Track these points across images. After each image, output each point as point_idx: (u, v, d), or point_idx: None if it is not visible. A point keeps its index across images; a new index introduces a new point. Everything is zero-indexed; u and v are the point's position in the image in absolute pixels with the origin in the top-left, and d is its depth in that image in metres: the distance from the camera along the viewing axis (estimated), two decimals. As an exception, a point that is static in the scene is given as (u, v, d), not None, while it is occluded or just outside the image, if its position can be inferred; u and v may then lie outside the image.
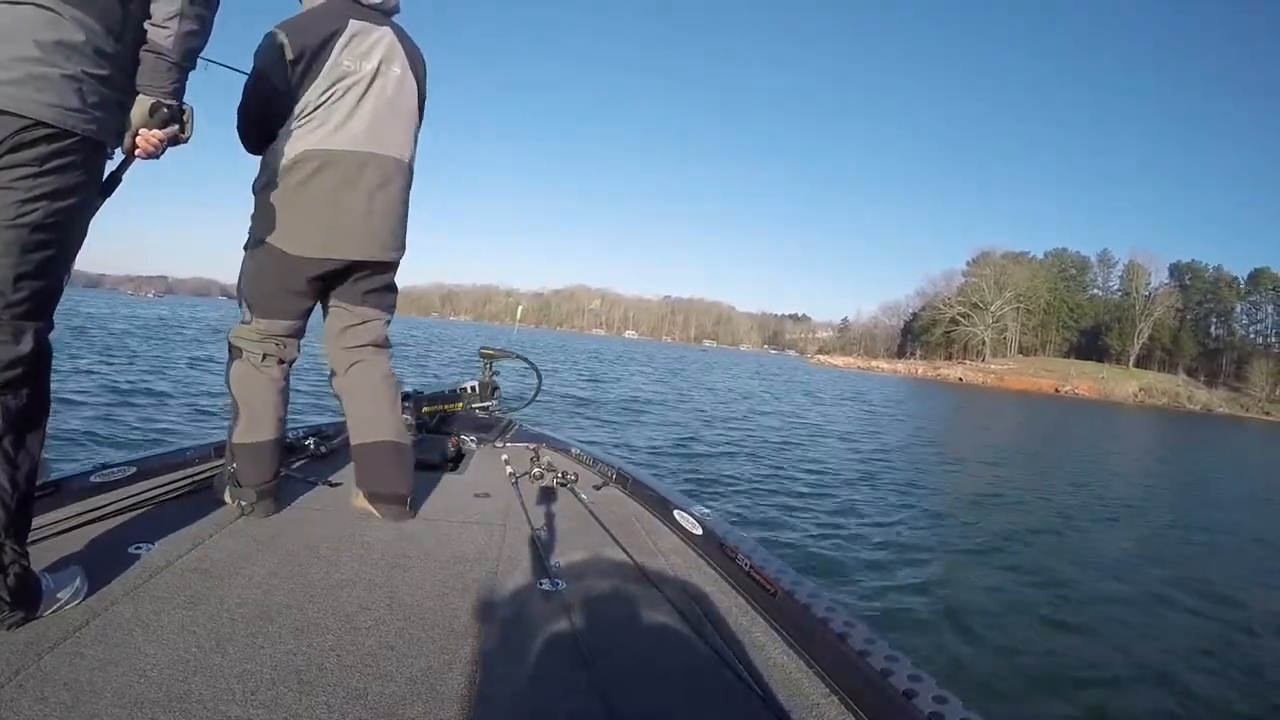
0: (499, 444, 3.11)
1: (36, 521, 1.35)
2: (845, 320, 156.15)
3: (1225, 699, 3.30)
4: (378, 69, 1.90)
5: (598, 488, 2.54)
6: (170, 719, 1.00)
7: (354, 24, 1.86)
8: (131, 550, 1.54)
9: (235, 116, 1.88)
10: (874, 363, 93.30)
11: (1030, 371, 77.59)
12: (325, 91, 1.83)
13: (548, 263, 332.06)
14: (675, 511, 2.12)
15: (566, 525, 2.07)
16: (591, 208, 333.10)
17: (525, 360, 3.78)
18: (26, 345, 1.16)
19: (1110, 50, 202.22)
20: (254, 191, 1.90)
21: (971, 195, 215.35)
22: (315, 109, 1.83)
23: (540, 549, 1.82)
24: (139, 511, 1.79)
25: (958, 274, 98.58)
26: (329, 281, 1.99)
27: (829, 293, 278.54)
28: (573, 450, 3.03)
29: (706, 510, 2.07)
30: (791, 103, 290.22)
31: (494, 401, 3.59)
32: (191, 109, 1.39)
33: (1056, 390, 70.31)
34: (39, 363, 1.20)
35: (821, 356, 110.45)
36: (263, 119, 1.86)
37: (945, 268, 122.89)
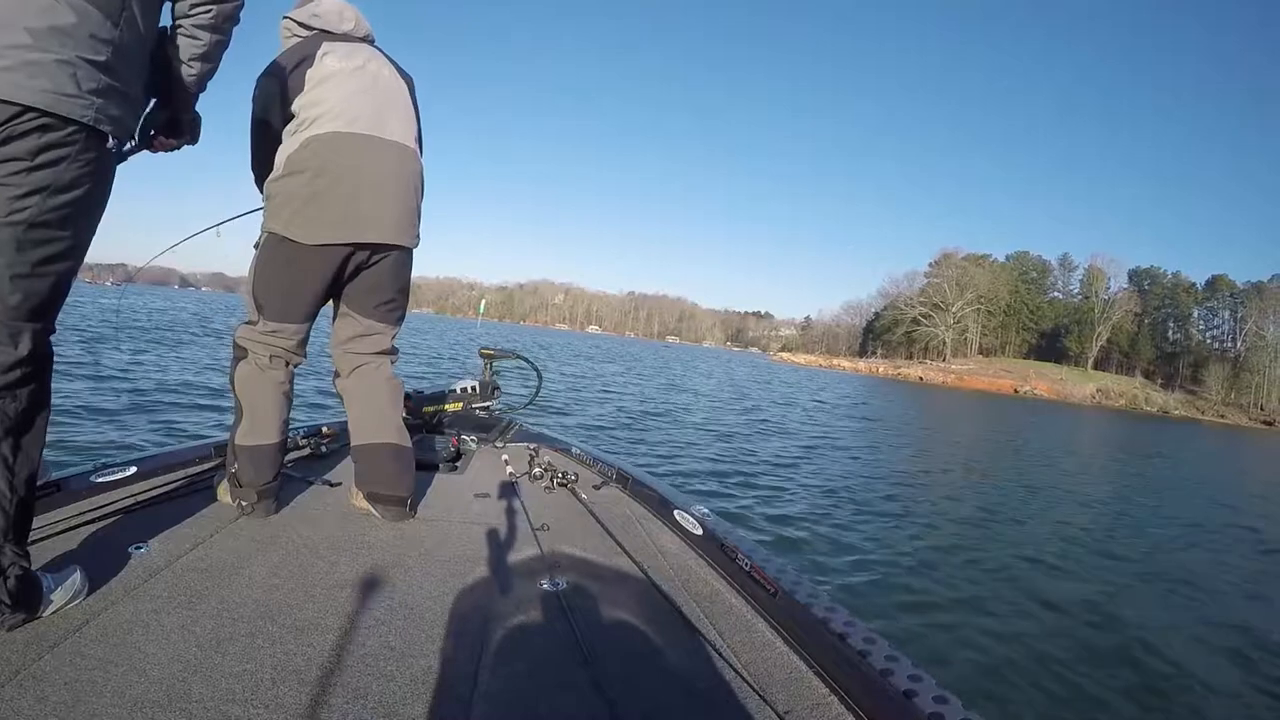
0: (499, 444, 3.08)
1: (36, 521, 1.34)
2: (808, 318, 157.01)
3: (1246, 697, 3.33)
4: (362, 66, 1.93)
5: (598, 488, 2.52)
6: (170, 719, 1.00)
7: (328, 43, 1.92)
8: (131, 550, 1.54)
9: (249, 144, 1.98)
10: (836, 361, 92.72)
11: (990, 372, 77.82)
12: (318, 91, 1.86)
13: (512, 256, 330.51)
14: (675, 511, 2.11)
15: (566, 525, 2.06)
16: (556, 202, 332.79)
17: (525, 360, 3.74)
18: (25, 348, 1.14)
19: (1074, 56, 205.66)
20: (264, 192, 1.91)
21: (935, 197, 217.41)
22: (312, 104, 1.85)
23: (540, 549, 1.82)
24: (139, 511, 1.77)
25: (920, 275, 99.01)
26: (342, 276, 1.95)
27: (792, 291, 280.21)
28: (573, 450, 2.99)
29: (706, 510, 2.06)
30: (757, 102, 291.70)
31: (494, 401, 3.53)
32: (200, 117, 1.55)
33: (1015, 391, 70.49)
34: (38, 365, 1.18)
35: (784, 354, 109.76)
36: (266, 159, 1.92)
37: (907, 269, 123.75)
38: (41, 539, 1.48)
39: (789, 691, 1.24)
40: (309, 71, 1.85)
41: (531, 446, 2.95)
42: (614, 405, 12.61)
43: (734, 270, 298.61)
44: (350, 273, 1.94)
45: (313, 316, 1.97)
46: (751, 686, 1.24)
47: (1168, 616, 4.43)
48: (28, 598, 1.19)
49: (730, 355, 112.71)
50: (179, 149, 1.56)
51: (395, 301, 2.06)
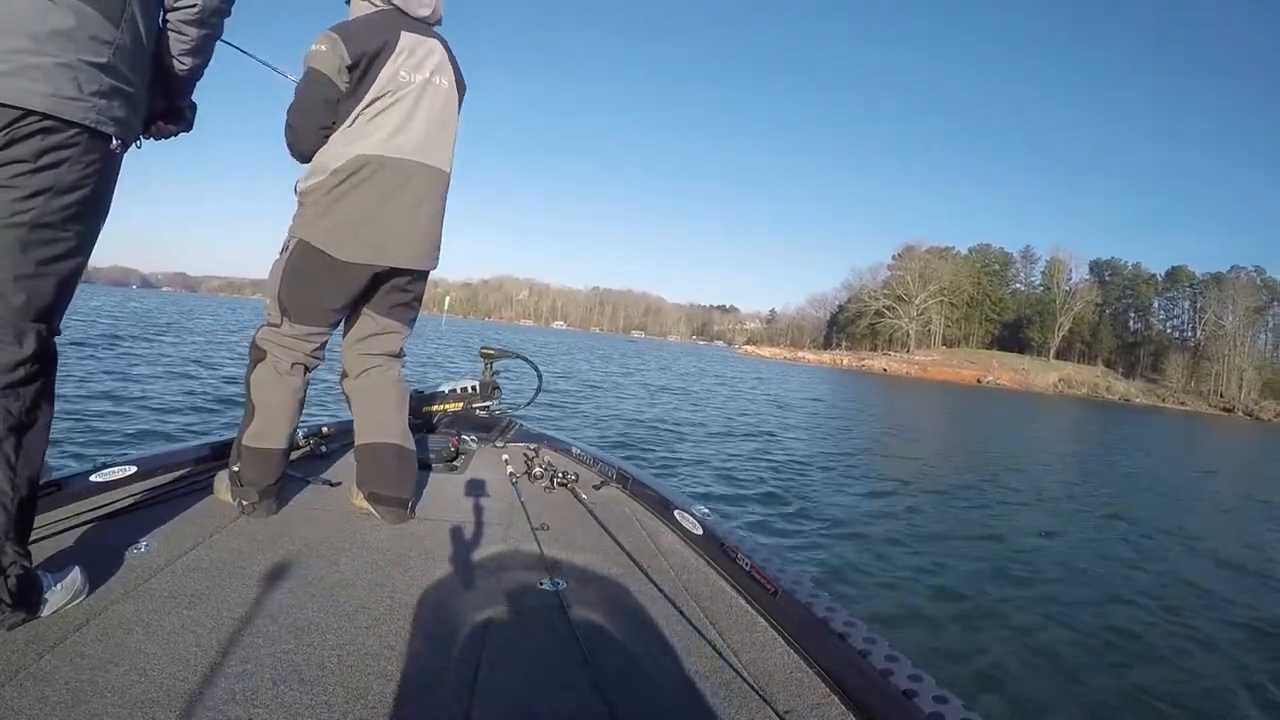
0: (499, 444, 3.08)
1: (37, 521, 1.35)
2: (773, 312, 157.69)
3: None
4: (429, 79, 1.90)
5: (597, 488, 2.51)
6: (170, 719, 1.01)
7: (407, 35, 1.85)
8: (131, 550, 1.54)
9: (285, 119, 1.86)
10: (800, 354, 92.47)
11: (953, 363, 77.93)
12: (380, 99, 1.81)
13: (474, 251, 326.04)
14: (675, 511, 2.11)
15: (566, 525, 2.06)
16: (519, 197, 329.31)
17: (525, 360, 3.71)
18: (29, 348, 1.15)
19: (1035, 49, 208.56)
20: (298, 193, 1.88)
21: (898, 191, 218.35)
22: (371, 116, 1.81)
23: (540, 549, 1.82)
24: (139, 511, 1.77)
25: (883, 268, 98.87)
26: (369, 289, 1.97)
27: (757, 285, 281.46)
28: (573, 450, 2.99)
29: (706, 510, 2.05)
30: (719, 95, 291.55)
31: (494, 401, 3.51)
32: (195, 105, 1.58)
33: (979, 381, 70.53)
34: (42, 365, 1.19)
35: (749, 347, 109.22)
36: (316, 125, 1.82)
37: (871, 261, 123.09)
38: (41, 538, 1.47)
39: (789, 691, 1.24)
40: (381, 71, 1.79)
41: (531, 446, 2.94)
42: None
43: (699, 264, 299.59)
44: (377, 285, 1.96)
45: (338, 323, 1.97)
46: (751, 686, 1.24)
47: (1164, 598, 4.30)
48: (28, 597, 1.18)
49: (696, 349, 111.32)
50: (175, 135, 1.59)
51: (411, 304, 2.08)
